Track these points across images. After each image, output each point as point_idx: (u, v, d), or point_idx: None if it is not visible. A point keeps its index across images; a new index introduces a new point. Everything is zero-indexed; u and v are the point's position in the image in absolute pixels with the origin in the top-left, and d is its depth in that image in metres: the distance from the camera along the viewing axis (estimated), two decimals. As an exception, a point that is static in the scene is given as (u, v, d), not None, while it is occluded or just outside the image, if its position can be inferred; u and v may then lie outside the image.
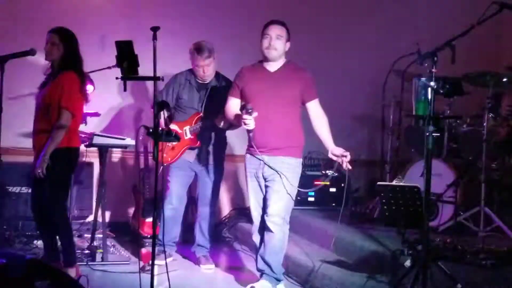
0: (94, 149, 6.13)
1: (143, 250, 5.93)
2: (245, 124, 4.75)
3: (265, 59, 5.07)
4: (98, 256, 6.00)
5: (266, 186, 5.07)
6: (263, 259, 5.12)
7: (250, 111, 4.69)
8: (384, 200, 4.78)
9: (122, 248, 6.41)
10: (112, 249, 6.21)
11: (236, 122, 5.12)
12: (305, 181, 7.17)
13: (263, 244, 5.12)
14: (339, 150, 5.06)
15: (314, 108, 5.14)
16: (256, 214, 5.22)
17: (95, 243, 6.17)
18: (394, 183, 6.18)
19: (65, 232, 5.26)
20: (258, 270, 5.25)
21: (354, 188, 7.55)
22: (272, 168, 4.95)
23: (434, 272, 4.45)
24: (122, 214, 7.22)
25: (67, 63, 5.20)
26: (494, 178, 6.33)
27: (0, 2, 6.81)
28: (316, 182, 7.20)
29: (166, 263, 4.61)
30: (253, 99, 4.93)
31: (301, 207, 7.19)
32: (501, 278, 4.70)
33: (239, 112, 4.87)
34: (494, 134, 6.17)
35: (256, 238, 5.29)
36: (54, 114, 5.06)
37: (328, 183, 6.82)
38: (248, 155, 5.16)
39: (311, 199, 7.37)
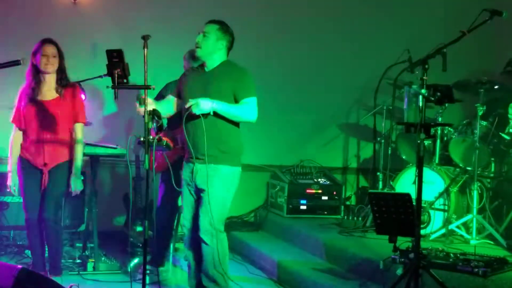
0: (86, 158, 6.08)
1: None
2: None
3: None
4: (90, 266, 5.98)
5: None
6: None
7: None
8: (375, 208, 4.76)
9: (113, 257, 6.39)
10: (103, 258, 6.17)
11: None
12: (297, 189, 7.28)
13: None
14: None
15: None
16: None
17: (86, 252, 6.18)
18: (385, 191, 6.22)
19: (57, 241, 5.29)
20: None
21: (346, 196, 7.53)
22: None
23: (425, 280, 4.48)
24: (114, 223, 7.21)
25: (65, 76, 5.27)
26: (486, 186, 6.34)
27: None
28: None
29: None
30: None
31: (293, 215, 7.22)
32: (493, 286, 4.72)
33: None
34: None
35: None
36: (63, 125, 5.20)
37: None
38: None
39: (303, 207, 7.31)
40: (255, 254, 6.65)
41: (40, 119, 5.21)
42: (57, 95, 5.22)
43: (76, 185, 5.22)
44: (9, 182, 5.30)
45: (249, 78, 4.83)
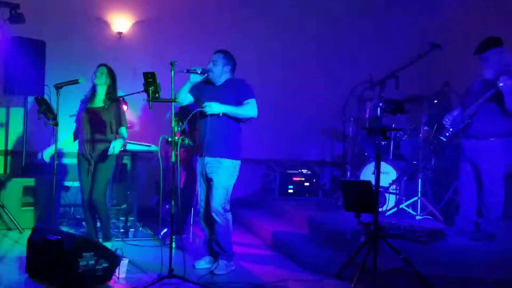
0: (127, 153, 6.07)
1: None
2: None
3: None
4: (130, 234, 5.98)
5: None
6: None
7: None
8: (345, 192, 4.73)
9: (148, 228, 6.31)
10: (140, 228, 6.16)
11: None
12: (286, 177, 7.22)
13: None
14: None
15: None
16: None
17: (128, 224, 6.13)
18: (352, 179, 6.14)
19: (105, 216, 5.23)
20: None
21: (322, 183, 7.48)
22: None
23: (382, 246, 4.42)
24: (150, 202, 7.11)
25: (113, 92, 5.23)
26: (428, 176, 6.32)
27: (60, 45, 6.72)
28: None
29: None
30: None
31: (283, 197, 7.19)
32: (432, 250, 4.72)
33: None
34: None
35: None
36: (112, 128, 5.15)
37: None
38: None
39: (290, 191, 7.28)
40: (254, 226, 6.61)
41: (90, 122, 5.16)
42: (104, 105, 5.16)
43: (115, 147, 5.03)
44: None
45: (247, 85, 4.80)
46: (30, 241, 4.37)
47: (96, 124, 5.16)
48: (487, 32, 5.10)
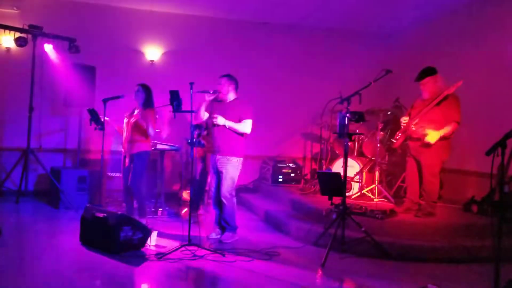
0: (157, 151, 6.05)
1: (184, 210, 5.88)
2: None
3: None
4: (159, 213, 5.95)
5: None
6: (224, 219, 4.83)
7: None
8: (321, 180, 4.73)
9: (172, 208, 6.31)
10: (167, 208, 6.12)
11: None
12: (277, 169, 7.22)
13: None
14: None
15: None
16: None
17: (157, 205, 6.10)
18: (326, 171, 6.14)
19: (140, 199, 5.18)
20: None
21: (305, 173, 7.47)
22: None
23: (348, 221, 4.44)
24: (173, 188, 7.11)
25: (148, 103, 5.16)
26: (383, 168, 6.29)
27: (106, 69, 6.76)
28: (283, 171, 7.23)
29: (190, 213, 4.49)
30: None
31: (275, 184, 7.14)
32: (387, 225, 4.72)
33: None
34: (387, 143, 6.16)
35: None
36: (143, 130, 5.04)
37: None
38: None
39: (280, 180, 7.21)
40: (253, 206, 6.58)
41: (128, 127, 5.15)
42: (138, 113, 5.11)
43: None
44: None
45: (248, 107, 4.77)
46: (83, 218, 4.40)
47: (131, 127, 5.11)
48: (427, 62, 5.13)
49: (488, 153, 2.78)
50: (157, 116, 5.60)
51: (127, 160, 5.13)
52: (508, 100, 5.64)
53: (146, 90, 5.19)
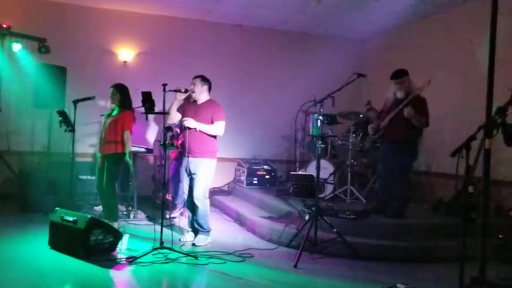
0: (131, 152, 5.93)
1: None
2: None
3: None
4: (131, 216, 5.87)
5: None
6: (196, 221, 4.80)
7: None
8: (294, 182, 4.77)
9: (145, 211, 6.24)
10: (139, 211, 6.04)
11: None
12: (252, 172, 7.22)
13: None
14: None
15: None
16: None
17: (129, 208, 6.02)
18: (300, 172, 6.19)
19: (112, 202, 5.09)
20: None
21: (279, 175, 7.50)
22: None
23: (321, 222, 4.49)
24: (146, 191, 7.02)
25: (124, 105, 5.07)
26: (355, 170, 6.35)
27: (78, 70, 6.61)
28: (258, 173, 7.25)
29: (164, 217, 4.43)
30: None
31: (249, 187, 7.13)
32: (358, 225, 4.79)
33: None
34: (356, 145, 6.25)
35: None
36: (119, 132, 4.95)
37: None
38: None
39: (255, 182, 7.20)
40: (227, 208, 6.54)
41: (105, 127, 5.07)
42: (117, 114, 5.06)
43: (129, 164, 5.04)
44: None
45: (220, 109, 4.75)
46: (52, 221, 4.32)
47: (109, 129, 5.02)
48: (399, 65, 5.20)
49: (453, 155, 2.86)
50: (135, 116, 5.56)
51: (100, 162, 5.05)
52: (475, 103, 5.80)
53: (120, 91, 5.09)
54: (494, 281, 2.94)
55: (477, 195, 4.80)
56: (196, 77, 4.81)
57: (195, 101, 4.82)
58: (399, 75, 5.01)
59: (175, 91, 4.57)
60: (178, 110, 4.74)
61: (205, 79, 4.81)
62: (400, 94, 5.02)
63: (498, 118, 2.76)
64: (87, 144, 6.90)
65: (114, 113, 5.09)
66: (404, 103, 4.89)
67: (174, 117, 4.74)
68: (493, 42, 2.75)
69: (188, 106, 4.78)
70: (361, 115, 6.43)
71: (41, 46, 6.30)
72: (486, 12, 2.81)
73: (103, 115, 5.30)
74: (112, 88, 5.10)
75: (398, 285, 3.35)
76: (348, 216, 4.82)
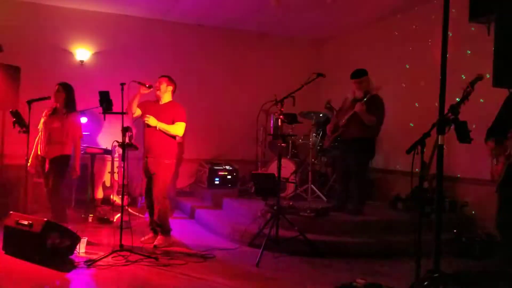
0: (87, 155, 5.83)
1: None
2: None
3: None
4: (90, 218, 5.70)
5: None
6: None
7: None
8: (256, 181, 4.77)
9: (104, 213, 6.05)
10: (98, 214, 5.84)
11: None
12: (213, 172, 7.17)
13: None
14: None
15: None
16: None
17: (88, 211, 5.86)
18: (261, 172, 6.20)
19: (61, 203, 4.90)
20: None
21: (241, 175, 7.47)
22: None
23: (283, 221, 4.51)
24: (105, 193, 6.82)
25: (70, 105, 4.91)
26: (316, 169, 6.42)
27: (32, 70, 6.34)
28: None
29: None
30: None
31: (211, 187, 7.06)
32: (317, 223, 4.85)
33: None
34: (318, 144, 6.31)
35: None
36: (66, 134, 4.80)
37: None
38: None
39: (217, 182, 7.15)
40: (189, 209, 6.48)
41: (46, 128, 4.89)
42: (62, 117, 4.88)
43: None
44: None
45: (182, 110, 4.70)
46: (6, 226, 4.14)
47: (53, 132, 4.85)
48: (358, 65, 5.32)
49: (408, 151, 2.94)
50: (86, 119, 5.39)
51: (46, 165, 4.84)
52: (431, 101, 6.00)
53: (66, 90, 4.93)
54: (448, 273, 3.04)
55: (432, 191, 4.98)
56: (163, 76, 4.78)
57: (157, 100, 4.75)
58: (359, 74, 5.11)
59: (140, 83, 4.50)
60: (139, 107, 4.67)
61: (171, 80, 4.78)
62: (359, 94, 5.11)
63: (452, 116, 2.86)
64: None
65: (59, 114, 4.89)
66: (361, 102, 4.99)
67: (134, 111, 4.65)
68: (445, 42, 2.85)
69: (150, 105, 4.72)
70: (321, 114, 6.52)
71: (-8, 44, 6.02)
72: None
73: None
74: (58, 85, 4.94)
75: (357, 280, 3.40)
76: (309, 214, 4.87)
